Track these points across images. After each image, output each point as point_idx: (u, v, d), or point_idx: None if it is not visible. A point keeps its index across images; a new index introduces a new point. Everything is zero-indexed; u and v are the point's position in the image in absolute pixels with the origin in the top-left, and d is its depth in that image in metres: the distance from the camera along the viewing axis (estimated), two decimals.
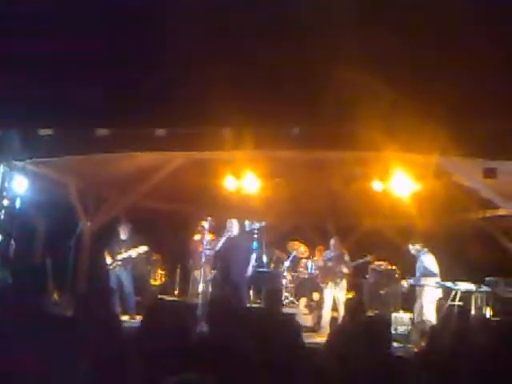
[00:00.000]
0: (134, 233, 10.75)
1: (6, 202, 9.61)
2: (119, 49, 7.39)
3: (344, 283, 10.45)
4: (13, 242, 9.88)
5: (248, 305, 10.79)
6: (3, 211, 9.55)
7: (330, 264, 10.58)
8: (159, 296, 11.89)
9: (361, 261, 10.89)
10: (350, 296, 11.76)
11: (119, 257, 10.49)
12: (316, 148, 8.31)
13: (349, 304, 7.29)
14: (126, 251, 10.48)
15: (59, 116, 7.81)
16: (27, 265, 9.75)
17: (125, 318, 10.01)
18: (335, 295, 10.32)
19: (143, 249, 10.63)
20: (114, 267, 10.50)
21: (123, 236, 10.66)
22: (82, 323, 3.96)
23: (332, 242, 10.75)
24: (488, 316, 9.29)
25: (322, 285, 10.69)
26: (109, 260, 10.54)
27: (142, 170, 10.15)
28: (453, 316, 8.86)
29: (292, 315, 9.88)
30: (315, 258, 12.04)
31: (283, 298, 11.84)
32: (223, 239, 10.34)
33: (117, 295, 10.39)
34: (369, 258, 10.97)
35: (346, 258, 10.61)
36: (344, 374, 3.95)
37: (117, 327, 4.02)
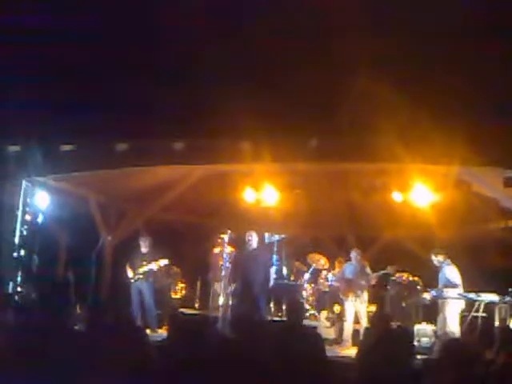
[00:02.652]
0: (154, 246, 10.80)
1: (28, 218, 9.73)
2: (139, 63, 7.49)
3: (365, 295, 10.35)
4: (35, 256, 9.99)
5: (269, 318, 10.75)
6: (26, 226, 9.67)
7: (350, 276, 10.50)
8: (180, 309, 11.89)
9: (381, 272, 10.80)
10: (372, 308, 11.69)
11: (140, 270, 10.53)
12: (335, 159, 8.30)
13: (375, 317, 7.21)
14: (146, 264, 10.52)
15: (79, 132, 7.91)
16: (51, 280, 9.89)
17: (147, 331, 10.05)
18: (357, 308, 10.23)
19: (164, 262, 10.65)
20: (136, 280, 10.54)
21: (144, 249, 10.71)
22: (95, 335, 3.99)
23: (353, 253, 10.66)
24: None
25: (342, 297, 10.60)
26: (130, 273, 10.59)
27: (162, 183, 10.22)
28: (476, 328, 8.77)
29: (314, 328, 9.82)
30: (335, 270, 11.96)
31: (304, 310, 11.79)
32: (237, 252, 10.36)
33: (138, 308, 10.45)
34: (389, 269, 10.87)
35: (368, 270, 10.52)
36: None
37: (141, 340, 4.04)
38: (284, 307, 11.83)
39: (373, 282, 10.54)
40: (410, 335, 4.95)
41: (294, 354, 4.75)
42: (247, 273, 10.06)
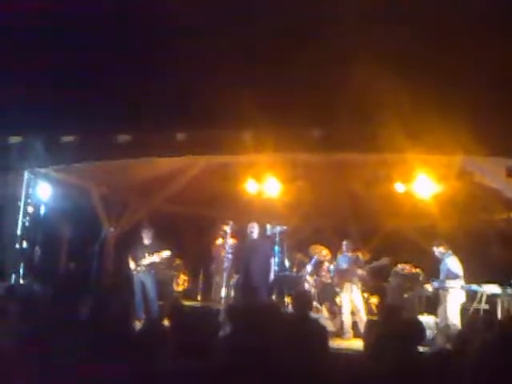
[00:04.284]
0: (157, 238, 10.80)
1: (30, 209, 9.73)
2: (141, 56, 7.46)
3: (359, 285, 10.38)
4: (37, 248, 10.00)
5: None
6: (27, 218, 9.67)
7: (344, 267, 10.53)
8: (182, 301, 11.90)
9: (377, 263, 10.81)
10: (373, 300, 11.70)
11: (143, 262, 10.54)
12: (337, 150, 8.28)
13: (383, 309, 7.17)
14: (149, 256, 10.53)
15: (81, 123, 7.90)
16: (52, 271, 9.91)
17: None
18: (352, 298, 10.24)
19: (166, 254, 10.66)
20: (138, 272, 10.56)
21: (146, 241, 10.72)
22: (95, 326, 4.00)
23: (344, 244, 10.70)
24: None
25: (337, 289, 10.64)
26: (132, 265, 10.60)
27: (164, 175, 10.21)
28: (478, 319, 8.75)
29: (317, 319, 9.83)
30: None
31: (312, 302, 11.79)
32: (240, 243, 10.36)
33: (140, 300, 10.47)
34: (385, 260, 10.86)
35: (360, 260, 10.57)
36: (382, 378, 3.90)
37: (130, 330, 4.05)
38: (286, 299, 11.84)
39: (367, 271, 10.55)
40: (422, 326, 4.92)
41: (299, 346, 4.75)
42: (248, 264, 10.07)
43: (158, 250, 10.58)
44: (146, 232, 10.76)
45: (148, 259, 10.54)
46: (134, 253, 10.70)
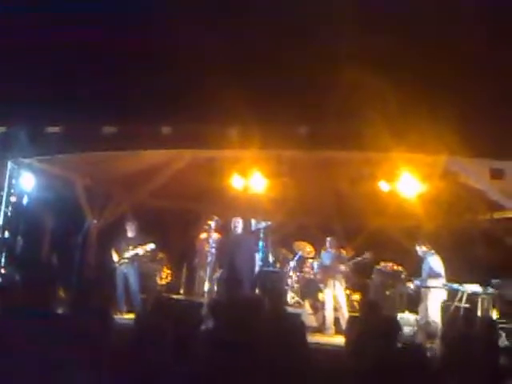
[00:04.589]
0: (141, 230, 10.76)
1: (13, 199, 9.66)
2: (128, 47, 7.42)
3: (343, 282, 10.44)
4: (19, 238, 9.93)
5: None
6: (10, 208, 9.59)
7: (327, 263, 10.60)
8: (168, 294, 11.87)
9: (359, 258, 10.87)
10: (356, 297, 11.76)
11: (126, 254, 10.50)
12: (323, 148, 8.30)
13: (365, 306, 7.23)
14: (133, 249, 10.48)
15: (66, 113, 7.84)
16: (34, 262, 9.83)
17: (130, 315, 10.04)
18: (335, 294, 10.30)
19: (150, 246, 10.61)
20: (121, 264, 10.50)
21: (130, 233, 10.67)
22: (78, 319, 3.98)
23: (328, 240, 10.76)
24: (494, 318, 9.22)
25: (320, 285, 10.70)
26: (115, 257, 10.55)
27: (149, 168, 10.16)
28: (458, 318, 8.84)
29: (297, 314, 9.86)
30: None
31: (288, 298, 11.83)
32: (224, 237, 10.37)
33: (122, 292, 10.43)
34: (367, 255, 10.91)
35: (343, 256, 10.64)
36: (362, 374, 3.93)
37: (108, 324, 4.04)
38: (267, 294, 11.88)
39: (349, 267, 10.62)
40: (399, 324, 5.01)
41: (276, 340, 4.76)
42: (232, 258, 10.08)
43: (142, 243, 10.54)
44: (129, 224, 10.70)
45: (132, 251, 10.49)
46: (117, 245, 10.65)
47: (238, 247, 10.22)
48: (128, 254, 10.48)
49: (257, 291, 11.91)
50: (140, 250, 10.50)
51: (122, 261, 10.50)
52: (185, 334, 3.98)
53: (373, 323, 5.37)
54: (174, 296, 12.17)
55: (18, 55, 7.66)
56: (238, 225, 10.38)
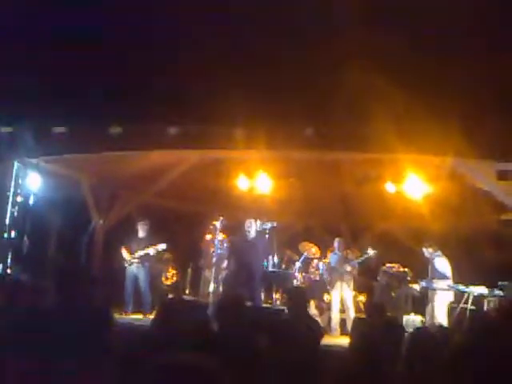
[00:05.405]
0: (152, 231, 10.74)
1: (19, 199, 9.68)
2: (136, 48, 7.43)
3: (350, 284, 10.43)
4: (26, 238, 9.94)
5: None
6: (17, 208, 9.62)
7: (335, 265, 10.59)
8: (170, 295, 11.87)
9: (364, 257, 10.84)
10: (361, 298, 11.72)
11: (137, 254, 10.46)
12: (329, 149, 8.29)
13: (370, 307, 7.21)
14: (143, 249, 10.45)
15: (73, 114, 7.86)
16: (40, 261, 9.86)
17: (138, 316, 10.05)
18: (342, 295, 10.29)
19: (162, 246, 10.57)
20: (130, 264, 10.48)
21: (141, 234, 10.65)
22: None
23: (336, 242, 10.75)
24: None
25: (328, 286, 10.69)
26: (127, 256, 10.50)
27: (155, 168, 10.17)
28: (464, 319, 8.81)
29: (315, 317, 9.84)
30: (327, 259, 11.98)
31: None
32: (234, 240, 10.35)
33: (131, 293, 10.41)
34: (371, 252, 10.85)
35: (350, 257, 10.63)
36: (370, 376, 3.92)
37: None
38: (275, 295, 11.87)
39: (354, 271, 10.59)
40: (402, 325, 5.02)
41: (293, 341, 4.76)
42: (247, 261, 10.06)
43: (154, 243, 10.51)
44: (141, 224, 10.67)
45: (142, 252, 10.45)
46: (128, 245, 10.60)
47: (251, 249, 10.19)
48: (139, 254, 10.45)
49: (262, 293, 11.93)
50: (151, 250, 10.46)
51: (133, 261, 10.47)
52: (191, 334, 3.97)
53: (377, 324, 5.37)
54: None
55: (23, 56, 7.68)
56: (251, 226, 10.36)
